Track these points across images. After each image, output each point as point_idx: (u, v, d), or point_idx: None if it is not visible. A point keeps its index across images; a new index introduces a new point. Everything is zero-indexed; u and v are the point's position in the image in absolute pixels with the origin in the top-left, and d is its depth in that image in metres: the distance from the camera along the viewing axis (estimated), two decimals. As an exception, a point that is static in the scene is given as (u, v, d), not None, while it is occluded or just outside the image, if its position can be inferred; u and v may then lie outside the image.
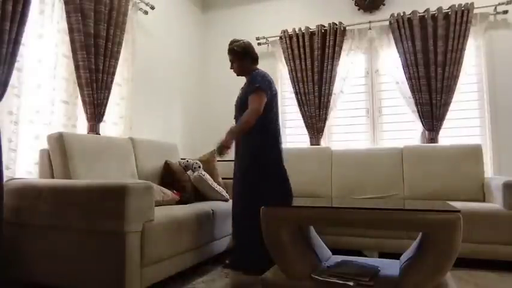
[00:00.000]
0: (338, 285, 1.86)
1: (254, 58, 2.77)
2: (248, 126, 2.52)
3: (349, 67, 4.02)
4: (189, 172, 3.10)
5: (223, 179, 3.45)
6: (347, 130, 4.16)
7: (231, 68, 2.79)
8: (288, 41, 4.19)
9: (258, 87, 2.55)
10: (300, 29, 4.15)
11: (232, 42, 2.78)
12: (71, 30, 2.85)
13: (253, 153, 2.60)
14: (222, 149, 2.50)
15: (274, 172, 2.65)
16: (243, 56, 2.73)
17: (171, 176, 3.04)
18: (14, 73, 2.39)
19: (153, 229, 2.07)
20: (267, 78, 2.64)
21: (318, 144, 4.04)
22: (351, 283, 1.85)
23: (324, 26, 4.07)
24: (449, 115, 3.66)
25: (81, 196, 2.04)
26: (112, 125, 3.29)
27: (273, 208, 2.04)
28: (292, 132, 4.39)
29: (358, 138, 4.11)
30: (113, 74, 3.10)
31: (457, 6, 3.63)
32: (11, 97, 2.47)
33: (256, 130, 2.57)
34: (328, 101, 4.00)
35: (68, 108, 2.92)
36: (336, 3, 4.23)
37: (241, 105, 2.67)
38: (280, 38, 4.26)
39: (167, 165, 3.10)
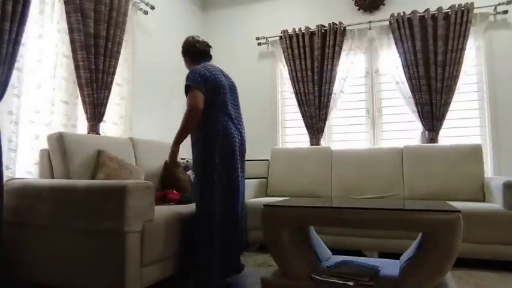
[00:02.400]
0: (338, 285, 1.86)
1: (194, 53, 2.55)
2: (187, 127, 2.32)
3: (349, 67, 4.03)
4: (189, 172, 3.10)
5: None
6: (347, 130, 4.16)
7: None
8: (288, 41, 4.19)
9: (187, 86, 2.33)
10: (300, 29, 4.15)
11: None
12: (71, 30, 2.85)
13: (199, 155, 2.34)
14: (172, 161, 2.43)
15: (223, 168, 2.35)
16: (184, 54, 2.61)
17: (171, 176, 3.04)
18: (14, 73, 2.39)
19: (153, 229, 2.07)
20: (197, 73, 2.35)
21: (318, 144, 4.04)
22: (351, 283, 1.85)
23: (324, 26, 4.08)
24: (449, 115, 3.66)
25: (81, 196, 2.04)
26: (112, 125, 3.29)
27: (273, 208, 2.04)
28: (292, 132, 4.39)
29: (358, 138, 4.11)
30: (113, 74, 3.10)
31: (457, 6, 3.63)
32: (11, 97, 2.47)
33: (199, 127, 2.35)
34: (328, 101, 4.00)
35: (68, 108, 2.92)
36: (336, 3, 4.23)
37: None
38: (280, 38, 4.26)
39: (167, 165, 3.09)
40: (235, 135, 2.43)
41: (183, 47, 2.62)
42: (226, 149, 2.36)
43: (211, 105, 2.36)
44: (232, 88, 2.58)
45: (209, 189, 2.29)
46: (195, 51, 2.57)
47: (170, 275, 2.27)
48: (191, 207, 2.55)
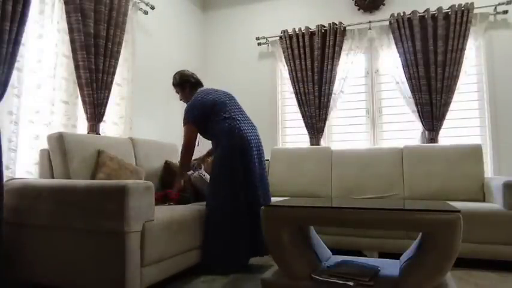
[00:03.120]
0: (338, 285, 1.86)
1: (193, 83, 2.93)
2: (185, 157, 2.77)
3: (349, 67, 4.03)
4: (189, 172, 3.10)
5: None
6: (347, 130, 4.16)
7: (180, 100, 3.01)
8: (288, 41, 4.19)
9: (184, 123, 2.75)
10: (300, 29, 4.15)
11: (173, 77, 2.99)
12: (71, 30, 2.85)
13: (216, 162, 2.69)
14: (179, 184, 2.83)
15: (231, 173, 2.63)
16: (181, 85, 2.94)
17: (171, 176, 3.04)
18: (14, 73, 2.40)
19: (153, 229, 2.07)
20: (192, 107, 2.75)
21: (318, 144, 4.04)
22: (351, 283, 1.85)
23: (324, 26, 4.08)
24: (449, 115, 3.66)
25: (81, 196, 2.04)
26: (112, 125, 3.29)
27: (273, 208, 2.04)
28: (292, 132, 4.39)
29: (358, 138, 4.11)
30: (113, 74, 3.10)
31: (457, 6, 3.63)
32: (11, 97, 2.47)
33: (214, 142, 2.76)
34: (328, 101, 4.00)
35: (68, 108, 2.92)
36: (336, 3, 4.23)
37: None
38: (280, 38, 4.26)
39: (167, 165, 3.10)
40: (251, 137, 2.69)
41: (179, 79, 2.93)
42: (243, 150, 2.63)
43: (219, 118, 2.68)
44: (230, 97, 2.86)
45: (230, 187, 2.56)
46: (194, 82, 2.94)
47: (171, 275, 2.28)
48: (191, 207, 2.56)
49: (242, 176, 2.60)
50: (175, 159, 3.36)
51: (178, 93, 3.00)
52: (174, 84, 2.97)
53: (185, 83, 2.92)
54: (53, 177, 2.50)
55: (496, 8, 3.62)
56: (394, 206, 1.90)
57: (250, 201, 2.61)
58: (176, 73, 2.98)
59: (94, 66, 2.93)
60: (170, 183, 2.99)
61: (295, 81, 4.13)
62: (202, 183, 3.02)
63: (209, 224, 2.56)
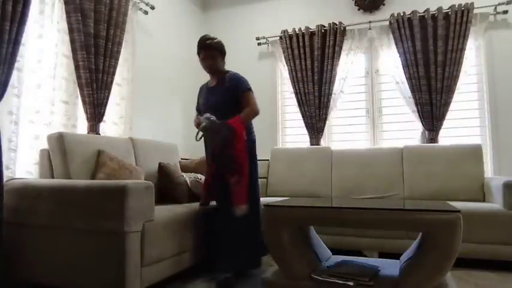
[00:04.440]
0: (338, 285, 1.86)
1: (224, 56, 2.78)
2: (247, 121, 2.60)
3: (349, 67, 4.02)
4: (186, 176, 3.05)
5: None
6: (347, 130, 4.16)
7: (208, 65, 2.67)
8: (288, 41, 4.19)
9: (247, 89, 2.60)
10: (300, 29, 4.15)
11: (209, 38, 2.69)
12: (71, 30, 2.85)
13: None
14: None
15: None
16: (222, 55, 2.71)
17: (166, 179, 2.95)
18: (14, 73, 2.39)
19: (153, 229, 2.07)
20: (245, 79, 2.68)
21: (318, 144, 4.04)
22: (351, 283, 1.85)
23: (324, 26, 4.07)
24: (449, 115, 3.66)
25: (81, 196, 2.04)
26: (112, 125, 3.29)
27: (273, 208, 2.04)
28: (292, 132, 4.39)
29: (358, 138, 4.11)
30: (113, 74, 3.10)
31: (457, 6, 3.63)
32: (11, 97, 2.47)
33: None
34: (328, 101, 4.00)
35: (68, 108, 2.92)
36: (336, 3, 4.23)
37: (224, 106, 2.57)
38: (280, 38, 4.26)
39: (161, 168, 2.99)
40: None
41: (223, 46, 2.72)
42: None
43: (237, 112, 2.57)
44: None
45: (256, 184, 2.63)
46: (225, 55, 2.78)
47: (170, 275, 2.28)
48: (191, 207, 2.56)
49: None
50: (176, 159, 3.36)
51: (208, 58, 2.64)
52: (213, 47, 2.64)
53: (224, 54, 2.74)
54: (53, 177, 2.50)
55: (496, 8, 3.62)
56: (394, 206, 1.90)
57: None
58: (216, 38, 2.72)
59: (94, 66, 2.93)
60: (167, 185, 2.93)
61: (295, 81, 4.13)
62: (199, 188, 2.95)
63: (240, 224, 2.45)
